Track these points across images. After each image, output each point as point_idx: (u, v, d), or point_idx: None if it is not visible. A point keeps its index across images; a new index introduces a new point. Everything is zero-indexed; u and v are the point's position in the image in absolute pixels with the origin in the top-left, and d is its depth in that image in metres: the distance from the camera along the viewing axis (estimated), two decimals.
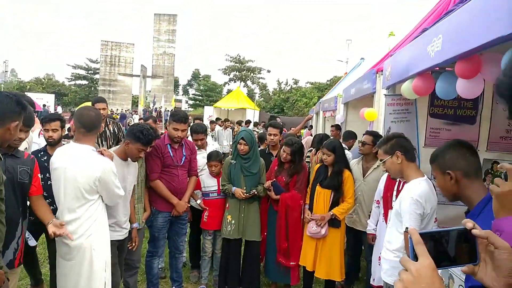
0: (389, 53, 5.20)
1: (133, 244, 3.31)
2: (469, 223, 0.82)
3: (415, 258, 0.75)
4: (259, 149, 4.57)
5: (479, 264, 0.83)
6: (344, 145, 5.15)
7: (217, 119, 14.28)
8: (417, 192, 2.38)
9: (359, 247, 4.25)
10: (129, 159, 3.12)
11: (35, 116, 2.75)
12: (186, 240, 4.33)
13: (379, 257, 3.01)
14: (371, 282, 3.55)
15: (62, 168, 2.52)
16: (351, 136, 5.85)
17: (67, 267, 2.56)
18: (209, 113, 25.93)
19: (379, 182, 3.58)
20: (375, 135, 4.00)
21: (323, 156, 3.71)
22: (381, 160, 2.65)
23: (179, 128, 3.53)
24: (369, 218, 3.72)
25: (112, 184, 2.58)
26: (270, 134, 4.35)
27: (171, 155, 3.58)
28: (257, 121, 19.34)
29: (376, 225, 3.54)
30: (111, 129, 4.60)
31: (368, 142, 3.96)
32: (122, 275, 3.35)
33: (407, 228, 2.37)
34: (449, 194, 1.65)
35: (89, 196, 2.52)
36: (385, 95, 4.19)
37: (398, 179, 3.46)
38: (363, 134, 4.20)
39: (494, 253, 0.82)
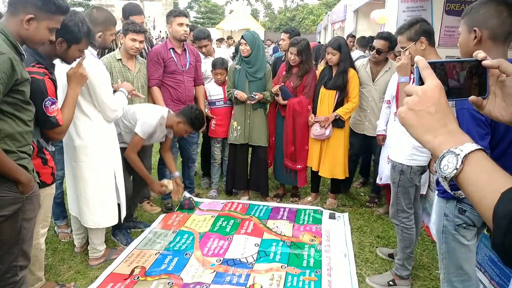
0: None
1: None
2: (480, 53, 0.76)
3: (422, 84, 0.70)
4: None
5: (487, 98, 0.80)
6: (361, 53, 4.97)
7: (225, 39, 13.77)
8: None
9: (368, 152, 4.19)
10: (167, 129, 3.12)
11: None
12: (199, 150, 4.38)
13: (388, 156, 3.00)
14: (377, 182, 3.62)
15: None
16: (369, 41, 5.57)
17: (75, 169, 2.55)
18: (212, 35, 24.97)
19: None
20: (390, 39, 3.54)
21: (328, 56, 3.55)
22: (402, 48, 2.39)
23: (183, 23, 3.42)
24: None
25: (97, 86, 2.40)
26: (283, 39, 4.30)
27: (175, 60, 3.47)
28: (263, 39, 18.76)
29: (386, 126, 3.43)
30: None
31: (385, 48, 3.57)
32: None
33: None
34: (466, 55, 1.51)
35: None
36: None
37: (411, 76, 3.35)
38: (374, 38, 3.77)
39: (505, 82, 0.78)
